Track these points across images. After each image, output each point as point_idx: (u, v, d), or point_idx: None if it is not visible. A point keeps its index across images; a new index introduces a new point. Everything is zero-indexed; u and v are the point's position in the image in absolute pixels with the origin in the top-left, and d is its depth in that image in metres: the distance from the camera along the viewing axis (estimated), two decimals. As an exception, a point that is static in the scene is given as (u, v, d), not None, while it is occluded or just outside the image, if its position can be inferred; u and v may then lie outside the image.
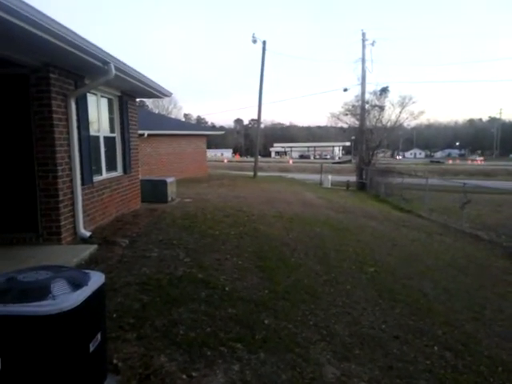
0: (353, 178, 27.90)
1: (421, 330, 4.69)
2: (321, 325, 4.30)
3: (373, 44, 26.84)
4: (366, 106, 27.24)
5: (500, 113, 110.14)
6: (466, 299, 6.22)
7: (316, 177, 30.33)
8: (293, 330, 4.05)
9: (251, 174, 27.16)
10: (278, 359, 3.45)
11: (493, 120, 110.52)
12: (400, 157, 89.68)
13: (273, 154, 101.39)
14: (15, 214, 5.90)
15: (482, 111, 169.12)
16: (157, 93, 9.15)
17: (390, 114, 27.34)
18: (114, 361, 3.01)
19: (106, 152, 7.60)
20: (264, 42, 25.68)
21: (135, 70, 6.97)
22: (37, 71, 5.47)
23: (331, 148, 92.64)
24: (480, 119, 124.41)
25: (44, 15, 3.97)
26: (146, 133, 18.48)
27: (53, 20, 4.13)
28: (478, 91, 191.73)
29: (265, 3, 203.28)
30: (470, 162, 76.26)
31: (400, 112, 27.10)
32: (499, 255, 9.91)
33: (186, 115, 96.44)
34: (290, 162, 69.74)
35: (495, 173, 49.35)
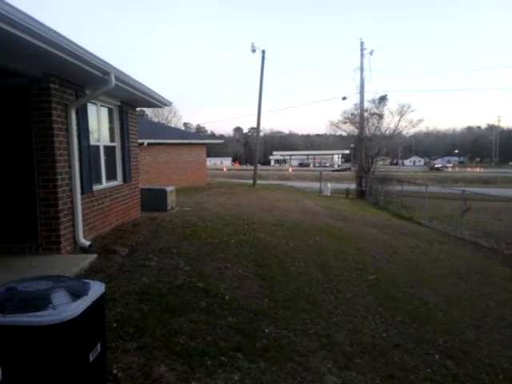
0: (352, 186, 27.95)
1: (422, 338, 4.67)
2: (321, 333, 4.29)
3: (371, 53, 27.08)
4: (365, 114, 27.39)
5: (498, 120, 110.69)
6: (466, 307, 6.20)
7: (315, 185, 30.38)
8: (293, 339, 4.04)
9: (250, 182, 27.18)
10: (278, 368, 3.44)
11: (491, 127, 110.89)
12: (439, 165, 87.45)
13: (272, 162, 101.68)
14: (15, 224, 5.90)
15: (481, 119, 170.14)
16: (157, 102, 9.20)
17: (389, 122, 27.58)
18: (114, 371, 3.00)
19: (105, 161, 7.61)
20: (263, 52, 25.87)
21: (135, 80, 7.02)
22: (38, 81, 5.50)
23: (330, 156, 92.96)
24: (479, 127, 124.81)
25: (45, 26, 4.00)
26: (146, 142, 18.56)
27: (54, 31, 4.17)
28: (477, 99, 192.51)
29: (264, 13, 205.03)
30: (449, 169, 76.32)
31: (399, 120, 27.31)
32: (500, 263, 9.89)
33: (185, 124, 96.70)
34: (290, 170, 69.89)
35: (494, 180, 49.43)
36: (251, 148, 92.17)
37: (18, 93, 5.63)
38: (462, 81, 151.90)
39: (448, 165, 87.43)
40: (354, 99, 34.55)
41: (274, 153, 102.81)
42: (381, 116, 27.77)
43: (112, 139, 8.18)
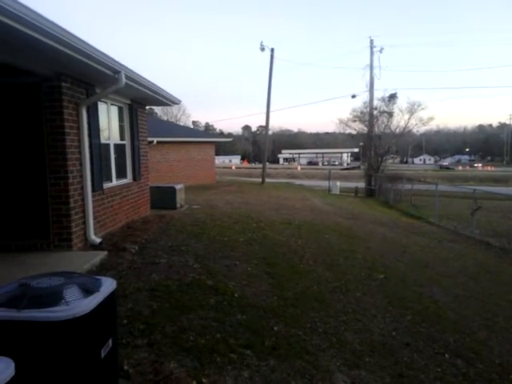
0: (361, 185, 27.78)
1: (432, 337, 4.65)
2: (330, 332, 4.29)
3: (381, 51, 26.91)
4: (375, 113, 27.20)
5: (510, 119, 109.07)
6: (477, 306, 6.15)
7: (324, 183, 30.29)
8: (302, 337, 4.04)
9: (259, 180, 27.20)
10: (287, 366, 3.45)
11: (503, 126, 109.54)
12: (446, 163, 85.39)
13: (281, 161, 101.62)
14: (27, 221, 5.97)
15: (492, 117, 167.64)
16: (166, 100, 9.24)
17: (399, 120, 27.32)
18: (125, 367, 3.03)
19: (116, 159, 7.68)
20: (272, 50, 25.84)
21: (145, 79, 7.05)
22: (49, 80, 5.56)
23: (339, 154, 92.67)
24: (490, 125, 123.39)
25: (56, 25, 4.04)
26: (156, 140, 18.64)
27: (65, 30, 4.21)
28: (488, 97, 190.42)
29: (274, 11, 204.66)
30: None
31: (409, 118, 27.07)
32: (510, 262, 9.79)
33: (194, 122, 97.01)
34: (299, 168, 69.75)
35: (506, 179, 48.87)
36: (260, 146, 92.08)
37: (30, 91, 5.69)
38: (473, 79, 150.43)
39: (470, 163, 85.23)
40: (363, 97, 34.44)
41: (283, 151, 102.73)
42: (390, 114, 27.55)
43: (122, 137, 8.24)
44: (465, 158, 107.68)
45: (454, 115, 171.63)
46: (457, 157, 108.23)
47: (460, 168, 76.36)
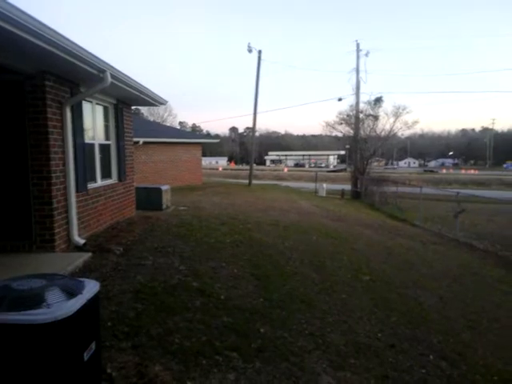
0: (348, 187, 27.97)
1: (416, 338, 4.68)
2: (316, 333, 4.28)
3: (367, 55, 27.18)
4: (361, 116, 27.45)
5: (493, 123, 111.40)
6: (461, 308, 6.22)
7: (311, 185, 30.42)
8: (288, 339, 4.03)
9: (246, 182, 27.16)
10: (273, 368, 3.43)
11: (485, 130, 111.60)
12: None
13: (268, 163, 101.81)
14: (9, 222, 5.84)
15: (475, 121, 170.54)
16: (152, 101, 9.16)
17: (384, 124, 27.58)
18: (108, 370, 2.98)
19: (100, 159, 7.57)
20: (259, 52, 25.85)
21: (131, 79, 6.98)
22: (32, 78, 5.45)
23: (326, 156, 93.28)
24: (473, 129, 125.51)
25: (40, 22, 3.96)
26: (141, 140, 18.47)
27: (49, 27, 4.13)
28: (471, 102, 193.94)
29: (261, 13, 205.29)
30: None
31: (394, 121, 27.34)
32: (494, 264, 9.94)
33: (181, 123, 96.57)
34: (285, 170, 69.98)
35: (489, 182, 49.71)
36: (247, 148, 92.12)
37: (13, 89, 5.57)
38: (457, 83, 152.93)
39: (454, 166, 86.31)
40: (349, 100, 34.78)
41: (270, 153, 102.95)
42: (376, 117, 27.83)
43: (107, 137, 8.13)
44: (448, 161, 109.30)
45: (438, 119, 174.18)
46: (440, 160, 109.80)
47: (444, 171, 77.54)
